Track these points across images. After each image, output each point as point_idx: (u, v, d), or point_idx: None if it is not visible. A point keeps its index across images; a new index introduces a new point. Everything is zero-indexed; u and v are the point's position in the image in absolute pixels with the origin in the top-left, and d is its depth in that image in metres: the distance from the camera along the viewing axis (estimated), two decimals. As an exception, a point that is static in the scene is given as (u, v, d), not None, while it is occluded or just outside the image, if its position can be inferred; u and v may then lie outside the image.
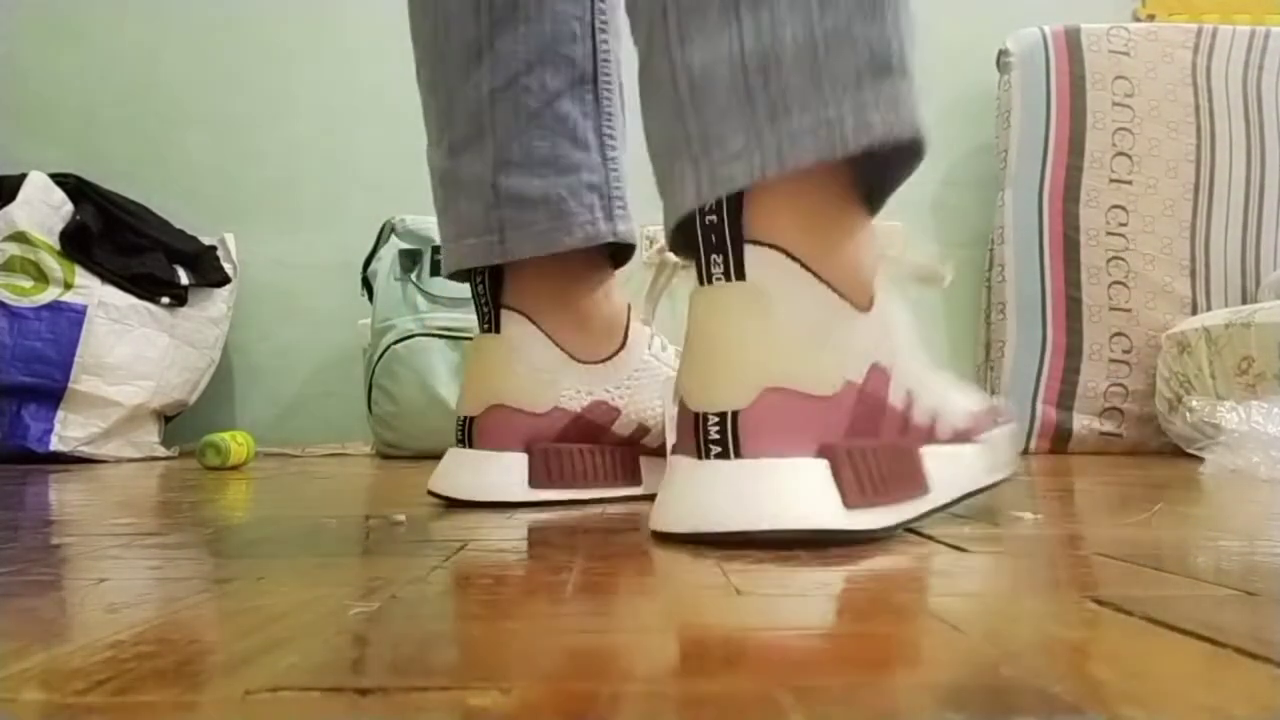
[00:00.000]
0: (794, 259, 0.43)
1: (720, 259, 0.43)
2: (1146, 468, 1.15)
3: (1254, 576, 0.34)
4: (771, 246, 0.42)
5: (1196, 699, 0.19)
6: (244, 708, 0.19)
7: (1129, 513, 0.58)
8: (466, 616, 0.28)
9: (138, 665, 0.22)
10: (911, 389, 0.48)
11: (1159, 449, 1.54)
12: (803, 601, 0.30)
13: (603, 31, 0.65)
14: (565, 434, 0.64)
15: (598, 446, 0.65)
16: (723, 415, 0.42)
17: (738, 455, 0.42)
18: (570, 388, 0.65)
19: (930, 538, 0.45)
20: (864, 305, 0.45)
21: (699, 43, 0.43)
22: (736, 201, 0.43)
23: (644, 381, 0.68)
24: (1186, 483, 0.88)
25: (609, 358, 0.66)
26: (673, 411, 0.47)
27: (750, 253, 0.42)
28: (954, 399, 0.54)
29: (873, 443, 0.44)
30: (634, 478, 0.67)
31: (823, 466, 0.41)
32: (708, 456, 0.42)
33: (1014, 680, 0.20)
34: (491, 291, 0.64)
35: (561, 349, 0.65)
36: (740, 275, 0.43)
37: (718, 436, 0.42)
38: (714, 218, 0.43)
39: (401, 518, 0.54)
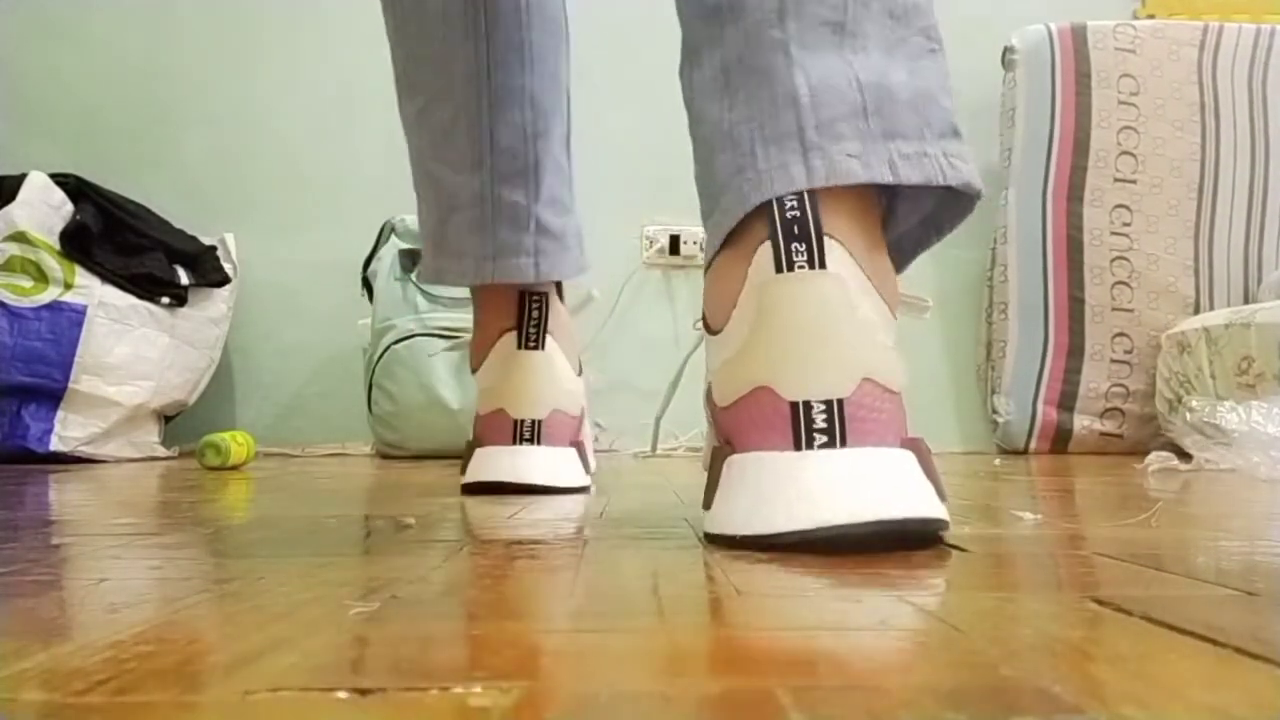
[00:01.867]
0: (854, 257, 0.43)
1: (803, 247, 0.43)
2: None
3: (1254, 576, 0.34)
4: (839, 242, 0.43)
5: (1197, 699, 0.19)
6: (244, 708, 0.19)
7: (1129, 513, 0.58)
8: (466, 616, 0.28)
9: (138, 665, 0.22)
10: None
11: (1159, 449, 1.54)
12: (803, 601, 0.30)
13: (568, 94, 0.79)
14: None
15: None
16: (829, 403, 0.41)
17: (843, 445, 0.41)
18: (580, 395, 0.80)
19: (930, 538, 0.45)
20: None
21: (817, 54, 0.45)
22: (815, 196, 0.44)
23: None
24: (1186, 483, 0.88)
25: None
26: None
27: (828, 243, 0.43)
28: None
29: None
30: None
31: (912, 458, 0.42)
32: (810, 447, 0.41)
33: (1014, 680, 0.20)
34: (545, 314, 0.77)
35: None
36: (822, 264, 0.43)
37: (825, 425, 0.41)
38: (796, 210, 0.43)
39: (411, 521, 0.54)
